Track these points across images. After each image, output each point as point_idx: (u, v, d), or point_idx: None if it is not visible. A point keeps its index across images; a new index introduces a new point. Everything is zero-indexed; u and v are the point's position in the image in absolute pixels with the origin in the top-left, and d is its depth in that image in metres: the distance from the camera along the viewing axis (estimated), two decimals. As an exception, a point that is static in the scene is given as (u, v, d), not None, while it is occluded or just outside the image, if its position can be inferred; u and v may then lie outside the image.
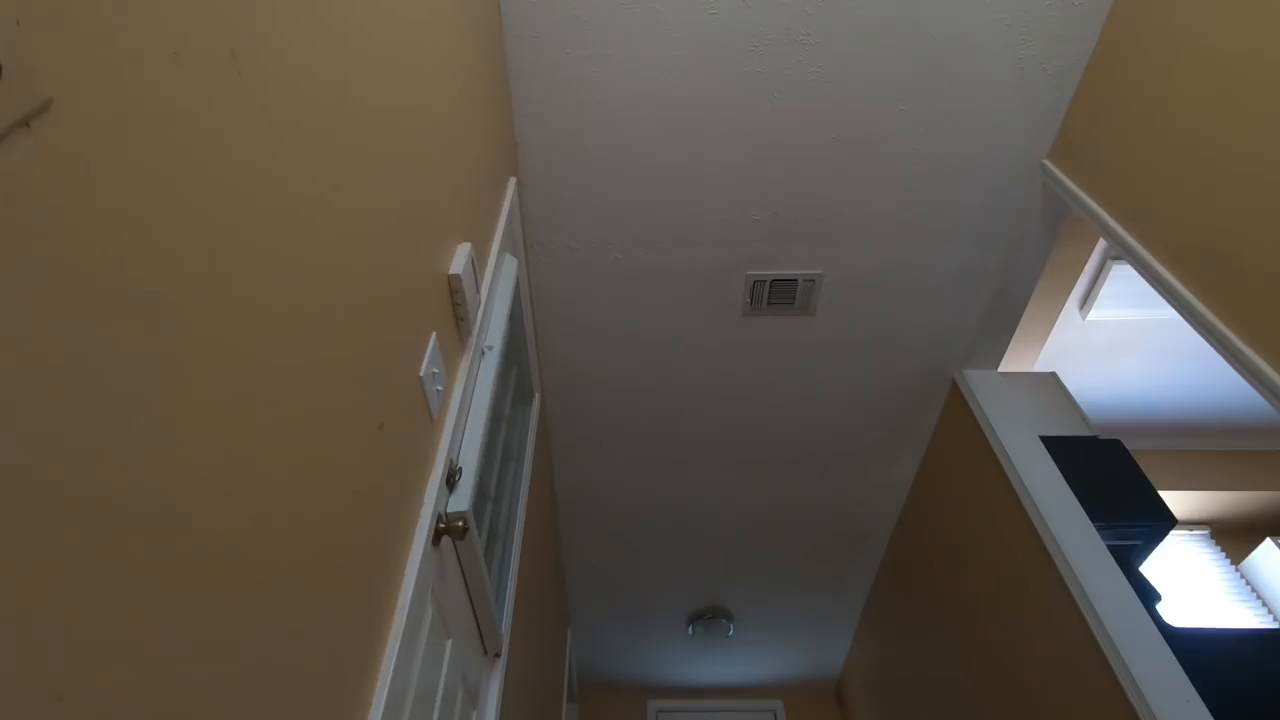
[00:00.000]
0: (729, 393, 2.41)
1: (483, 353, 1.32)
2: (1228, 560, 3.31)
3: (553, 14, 1.58)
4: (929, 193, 1.89)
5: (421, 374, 0.95)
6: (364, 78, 0.76)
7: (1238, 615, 3.11)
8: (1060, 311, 2.87)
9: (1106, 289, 2.78)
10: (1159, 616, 2.01)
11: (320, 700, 0.64)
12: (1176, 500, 3.31)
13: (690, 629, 3.49)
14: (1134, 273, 2.12)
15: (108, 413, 0.38)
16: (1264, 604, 3.13)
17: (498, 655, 1.42)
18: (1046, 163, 1.82)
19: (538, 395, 2.19)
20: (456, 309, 1.15)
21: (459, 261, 1.13)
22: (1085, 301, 2.86)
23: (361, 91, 0.75)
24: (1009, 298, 2.13)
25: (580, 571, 3.16)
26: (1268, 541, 3.13)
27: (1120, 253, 1.60)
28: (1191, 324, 1.37)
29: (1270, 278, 1.19)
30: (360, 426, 0.75)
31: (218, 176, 0.49)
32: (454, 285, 1.11)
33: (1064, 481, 1.92)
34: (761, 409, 2.46)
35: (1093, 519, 1.82)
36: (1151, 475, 2.26)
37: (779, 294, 2.11)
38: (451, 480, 1.07)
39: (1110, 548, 1.75)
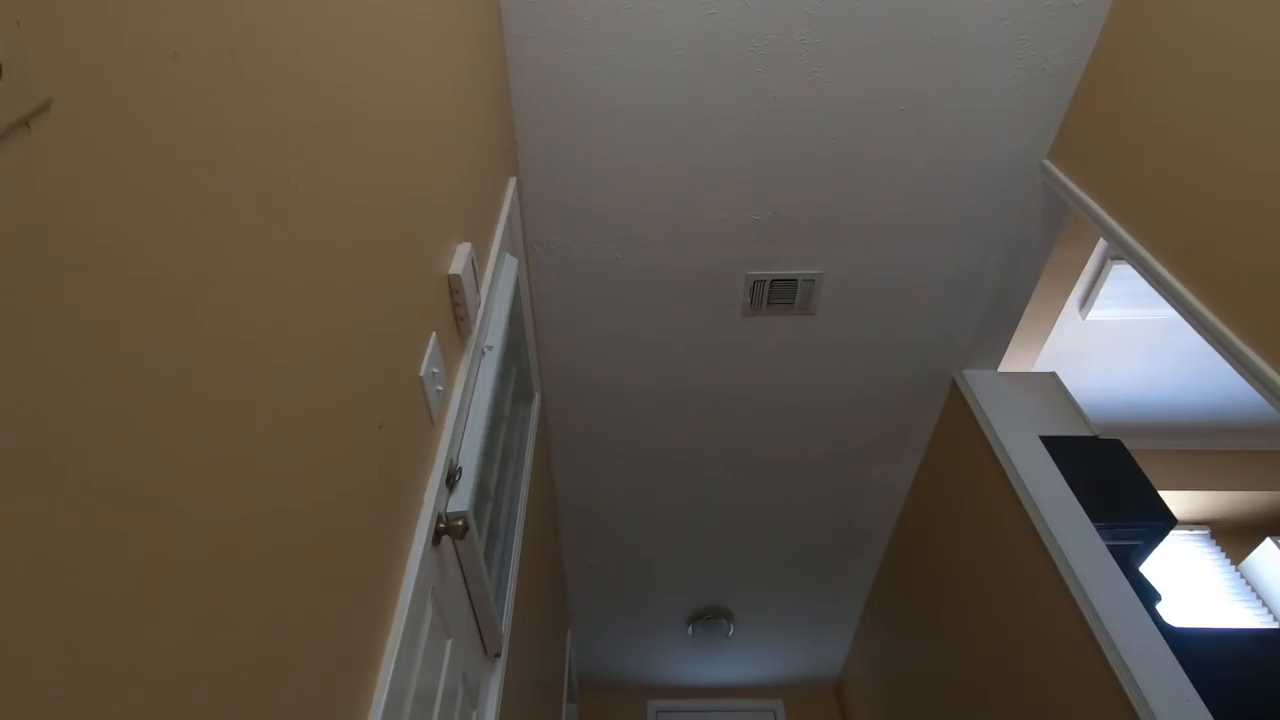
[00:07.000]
0: (729, 393, 2.41)
1: (483, 353, 1.32)
2: (1228, 560, 3.31)
3: (552, 13, 1.58)
4: (929, 192, 1.89)
5: (421, 374, 0.95)
6: (364, 77, 0.76)
7: (1238, 615, 3.11)
8: (1060, 311, 2.87)
9: (1106, 289, 2.78)
10: (1159, 616, 2.02)
11: (320, 700, 0.64)
12: (1176, 500, 3.32)
13: (690, 629, 3.49)
14: (1134, 273, 2.12)
15: (107, 411, 0.38)
16: (1264, 604, 3.13)
17: (498, 655, 1.42)
18: (1046, 162, 1.82)
19: (538, 395, 2.19)
20: (456, 309, 1.15)
21: (459, 261, 1.13)
22: (1085, 301, 2.86)
23: (361, 91, 0.75)
24: (1009, 298, 2.13)
25: (580, 571, 3.16)
26: (1268, 541, 3.14)
27: (1120, 253, 1.60)
28: (1191, 324, 1.37)
29: (1270, 278, 1.19)
30: (360, 426, 0.75)
31: (217, 176, 0.49)
32: (454, 285, 1.11)
33: (1064, 481, 1.92)
34: (761, 409, 2.46)
35: (1093, 519, 1.82)
36: (1151, 475, 2.26)
37: (779, 294, 2.11)
38: (451, 480, 1.07)
39: (1110, 548, 1.75)
